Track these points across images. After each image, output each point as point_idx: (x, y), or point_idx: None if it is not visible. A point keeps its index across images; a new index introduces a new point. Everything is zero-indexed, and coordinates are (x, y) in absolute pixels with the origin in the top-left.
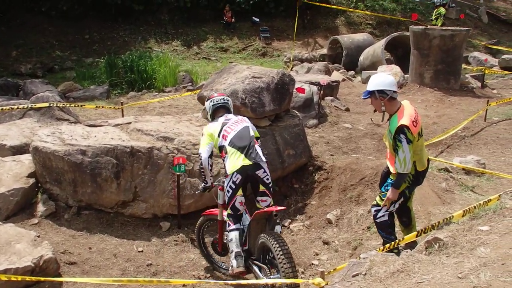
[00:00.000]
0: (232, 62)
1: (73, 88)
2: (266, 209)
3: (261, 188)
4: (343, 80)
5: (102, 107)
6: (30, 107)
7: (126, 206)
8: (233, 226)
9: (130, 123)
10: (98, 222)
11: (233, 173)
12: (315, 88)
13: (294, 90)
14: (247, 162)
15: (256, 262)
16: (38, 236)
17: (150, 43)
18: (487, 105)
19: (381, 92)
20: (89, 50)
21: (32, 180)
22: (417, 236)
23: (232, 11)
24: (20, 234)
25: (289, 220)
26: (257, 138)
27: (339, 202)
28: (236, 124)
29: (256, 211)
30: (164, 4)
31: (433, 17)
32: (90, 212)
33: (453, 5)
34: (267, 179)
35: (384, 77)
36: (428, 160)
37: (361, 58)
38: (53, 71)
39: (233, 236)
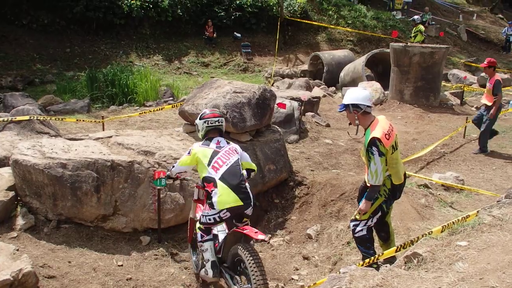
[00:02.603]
0: (213, 77)
1: (54, 102)
2: (247, 233)
3: (244, 219)
4: (324, 96)
5: (83, 120)
6: (10, 120)
7: (106, 220)
8: (206, 237)
9: (111, 137)
10: (77, 236)
11: (221, 210)
12: (296, 103)
13: (275, 105)
14: (240, 203)
15: (228, 271)
16: (17, 250)
17: (131, 57)
18: (466, 122)
19: (355, 106)
20: (70, 63)
21: (11, 193)
22: (396, 251)
23: (214, 26)
24: None
25: (269, 235)
26: (252, 171)
27: (319, 217)
28: (228, 156)
29: (236, 228)
30: (146, 18)
31: (412, 34)
32: (70, 226)
33: (433, 23)
34: (251, 212)
35: (359, 92)
36: (405, 174)
37: (341, 74)
38: (34, 84)
39: (207, 246)
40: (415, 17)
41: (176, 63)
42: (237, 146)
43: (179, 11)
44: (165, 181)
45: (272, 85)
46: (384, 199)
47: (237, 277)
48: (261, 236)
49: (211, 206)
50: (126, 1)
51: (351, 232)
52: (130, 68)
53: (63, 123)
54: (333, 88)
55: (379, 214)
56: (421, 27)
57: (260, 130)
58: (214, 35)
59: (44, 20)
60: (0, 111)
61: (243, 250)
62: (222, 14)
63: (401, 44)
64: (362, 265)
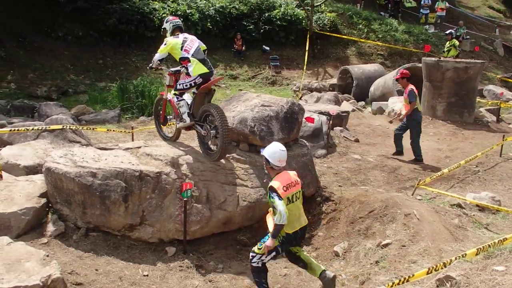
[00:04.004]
0: (241, 90)
1: (86, 111)
2: (207, 84)
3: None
4: (353, 110)
5: (113, 130)
6: (44, 129)
7: (133, 230)
8: (181, 98)
9: (140, 147)
10: (105, 244)
11: (196, 76)
12: (324, 118)
13: (303, 119)
14: (207, 70)
15: (198, 122)
16: (47, 256)
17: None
18: (503, 140)
19: (266, 159)
20: (102, 74)
21: (43, 200)
22: (428, 273)
23: (243, 40)
24: (30, 253)
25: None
26: (204, 51)
27: (347, 234)
28: (193, 42)
29: (201, 87)
30: None
31: (445, 49)
32: (97, 234)
33: (468, 37)
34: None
35: (274, 149)
36: (306, 227)
37: (371, 88)
38: (67, 94)
39: (183, 103)
40: (449, 31)
41: None
42: (195, 37)
43: (208, 24)
44: (191, 192)
45: (300, 98)
46: (278, 243)
47: (205, 125)
48: (217, 78)
49: (188, 75)
50: (157, 14)
51: (380, 251)
52: (160, 80)
53: (94, 133)
54: (362, 103)
55: (274, 254)
56: (455, 41)
57: (288, 144)
58: (243, 48)
59: (79, 33)
60: (35, 120)
61: (210, 106)
62: (251, 27)
63: (433, 58)
64: (392, 286)
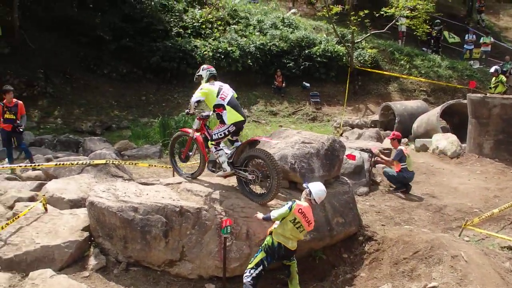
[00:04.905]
0: (281, 126)
1: (128, 147)
2: (255, 137)
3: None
4: None
5: (155, 165)
6: (88, 163)
7: (172, 265)
8: (219, 148)
9: (180, 182)
10: (145, 279)
11: (230, 124)
12: (366, 155)
13: (344, 156)
14: (241, 118)
15: (240, 167)
16: None
17: (202, 106)
18: None
19: (310, 191)
20: (145, 110)
21: (86, 234)
22: None
23: (283, 76)
24: (72, 286)
25: None
26: (236, 98)
27: (391, 276)
28: (228, 90)
29: (249, 139)
30: (217, 69)
31: (492, 85)
32: (138, 268)
33: None
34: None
35: (321, 188)
36: (290, 251)
37: (414, 125)
38: (111, 130)
39: (222, 153)
40: (495, 67)
41: (245, 112)
42: (228, 86)
43: (249, 61)
44: (230, 229)
45: (341, 135)
46: (264, 254)
47: (249, 169)
48: (264, 138)
49: (222, 123)
50: (199, 52)
51: None
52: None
53: (136, 168)
54: (405, 140)
55: (261, 267)
56: (503, 77)
57: (329, 181)
58: (283, 84)
59: (123, 70)
60: (80, 154)
61: (256, 150)
62: (291, 64)
63: (479, 94)
64: None
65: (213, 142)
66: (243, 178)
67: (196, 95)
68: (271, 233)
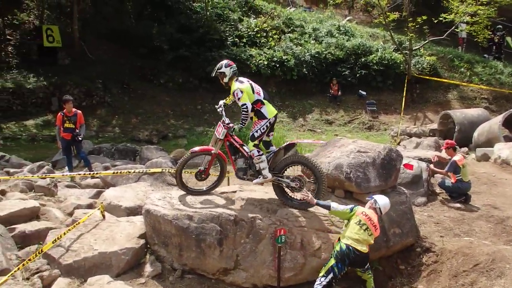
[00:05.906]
0: (337, 135)
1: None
2: (293, 141)
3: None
4: None
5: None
6: (145, 172)
7: (227, 274)
8: (261, 153)
9: (235, 191)
10: (200, 287)
11: (271, 117)
12: (424, 164)
13: (402, 166)
14: (276, 111)
15: (277, 173)
16: None
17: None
18: None
19: (376, 201)
20: (201, 119)
21: (142, 241)
22: None
23: (339, 84)
24: None
25: None
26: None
27: None
28: (257, 84)
29: (287, 143)
30: (272, 77)
31: None
32: (193, 276)
33: None
34: None
35: (387, 202)
36: (363, 255)
37: (475, 134)
38: (167, 138)
39: (264, 159)
40: None
41: (300, 120)
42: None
43: (304, 70)
44: (285, 238)
45: (398, 144)
46: (334, 261)
47: (289, 175)
48: (299, 141)
49: (263, 117)
50: (254, 61)
51: None
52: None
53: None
54: (465, 149)
55: (331, 275)
56: None
57: (385, 191)
58: (339, 93)
59: (179, 80)
60: (136, 162)
61: (297, 157)
62: (346, 72)
63: None
64: None
65: (255, 142)
66: (285, 185)
67: (247, 104)
68: (339, 240)
